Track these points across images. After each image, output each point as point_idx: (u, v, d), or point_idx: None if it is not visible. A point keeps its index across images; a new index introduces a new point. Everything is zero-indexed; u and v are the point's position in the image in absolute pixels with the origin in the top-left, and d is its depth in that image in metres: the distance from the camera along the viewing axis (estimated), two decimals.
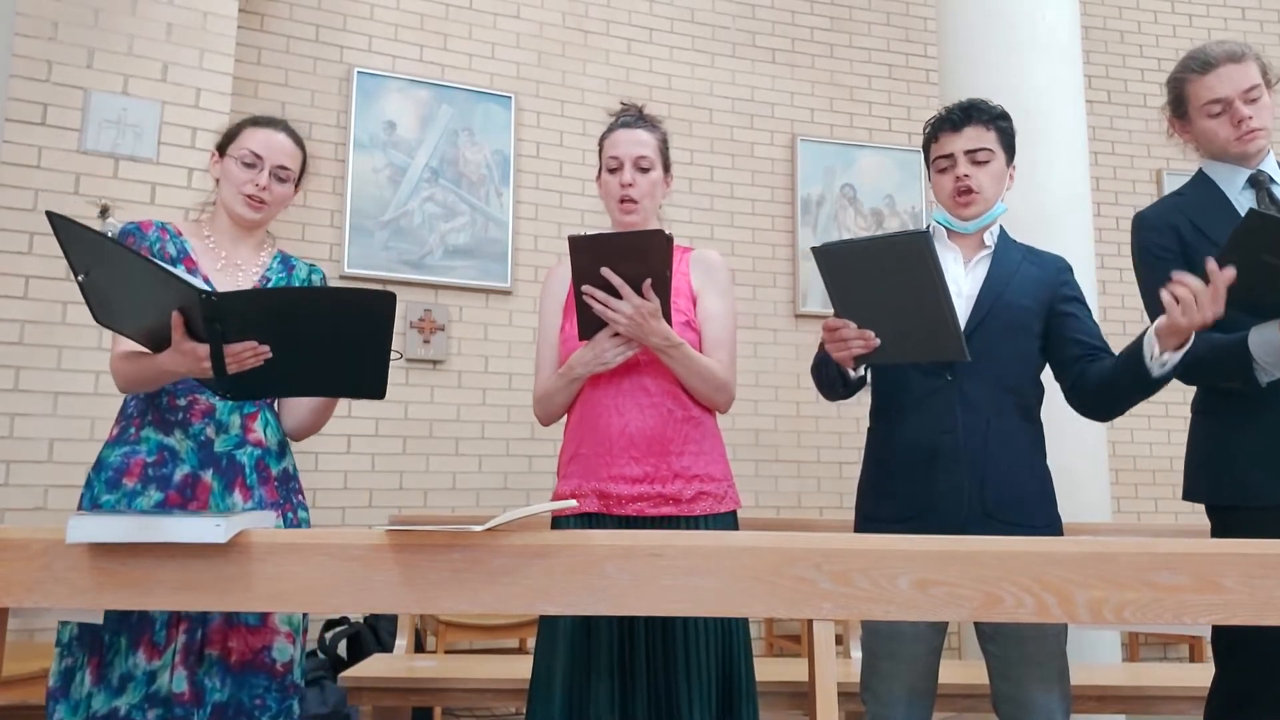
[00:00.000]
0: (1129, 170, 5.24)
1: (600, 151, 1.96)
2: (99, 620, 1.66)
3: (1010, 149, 1.92)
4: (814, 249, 1.67)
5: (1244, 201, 1.82)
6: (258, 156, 1.82)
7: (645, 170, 1.90)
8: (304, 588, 1.19)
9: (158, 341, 1.52)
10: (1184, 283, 1.57)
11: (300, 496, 1.88)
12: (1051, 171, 3.32)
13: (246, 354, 1.47)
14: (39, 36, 3.25)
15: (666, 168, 1.96)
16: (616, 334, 1.75)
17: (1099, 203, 4.62)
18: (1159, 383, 1.71)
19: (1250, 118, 1.79)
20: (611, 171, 1.91)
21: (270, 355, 1.48)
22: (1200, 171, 1.92)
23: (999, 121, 1.90)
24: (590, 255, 1.68)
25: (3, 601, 1.20)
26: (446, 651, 3.57)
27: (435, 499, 4.17)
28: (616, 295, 1.70)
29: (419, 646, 3.65)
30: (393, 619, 3.48)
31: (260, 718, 1.70)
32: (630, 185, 1.88)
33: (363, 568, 1.19)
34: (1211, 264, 1.55)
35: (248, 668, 1.70)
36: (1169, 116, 1.94)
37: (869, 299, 1.66)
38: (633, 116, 1.96)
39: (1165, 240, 1.85)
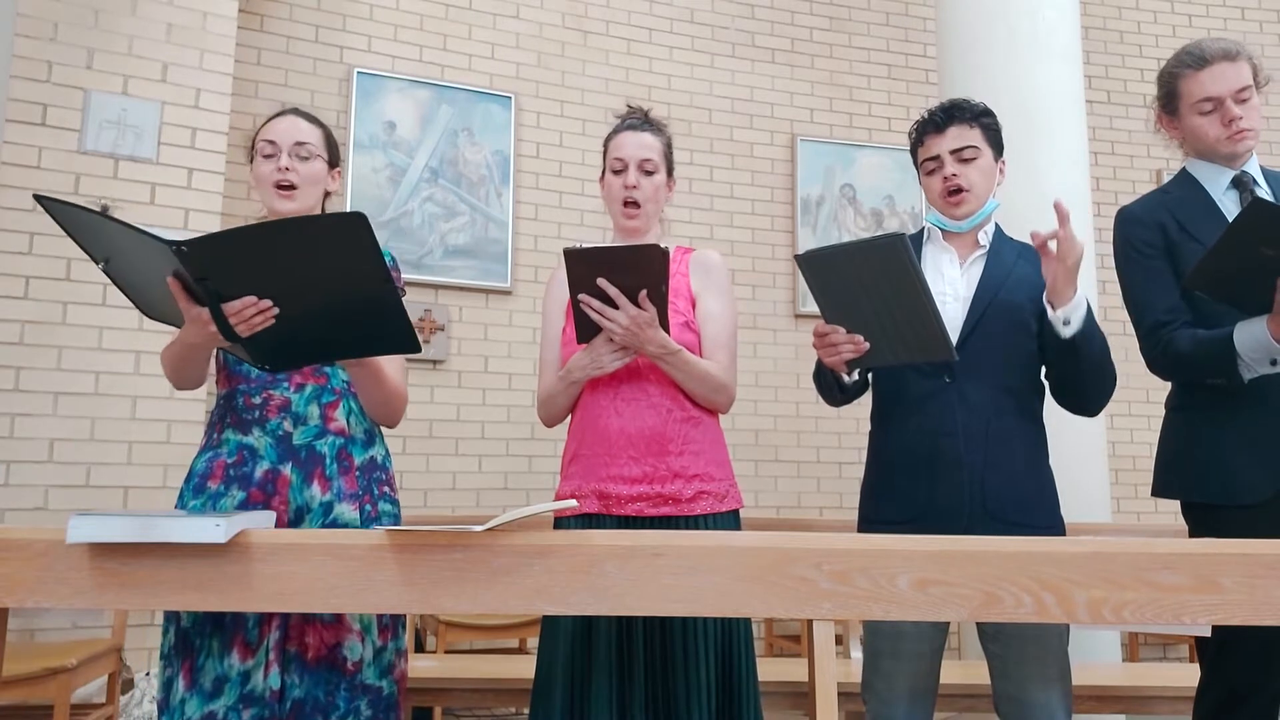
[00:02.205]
0: (1129, 170, 5.24)
1: (604, 153, 1.96)
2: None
3: (997, 144, 1.92)
4: (797, 256, 1.69)
5: (1228, 202, 1.83)
6: (272, 143, 1.82)
7: (649, 173, 1.90)
8: (304, 588, 1.19)
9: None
10: None
11: (387, 488, 1.84)
12: (1051, 171, 3.33)
13: (249, 311, 1.42)
14: (39, 37, 3.25)
15: (670, 172, 1.96)
16: (612, 338, 1.75)
17: (1099, 203, 4.62)
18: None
19: (1241, 118, 1.80)
20: (615, 173, 1.91)
21: (278, 311, 1.43)
22: (1184, 170, 1.92)
23: (982, 118, 1.90)
24: (586, 267, 1.68)
25: (4, 601, 1.20)
26: (446, 651, 3.56)
27: (435, 499, 4.17)
28: (613, 305, 1.70)
29: (419, 646, 3.65)
30: None
31: (330, 715, 1.69)
32: (634, 188, 1.88)
33: (363, 568, 1.19)
34: None
35: (322, 664, 1.69)
36: (1158, 111, 1.94)
37: (855, 303, 1.66)
38: (638, 119, 1.96)
39: (1150, 236, 1.86)
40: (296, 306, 1.44)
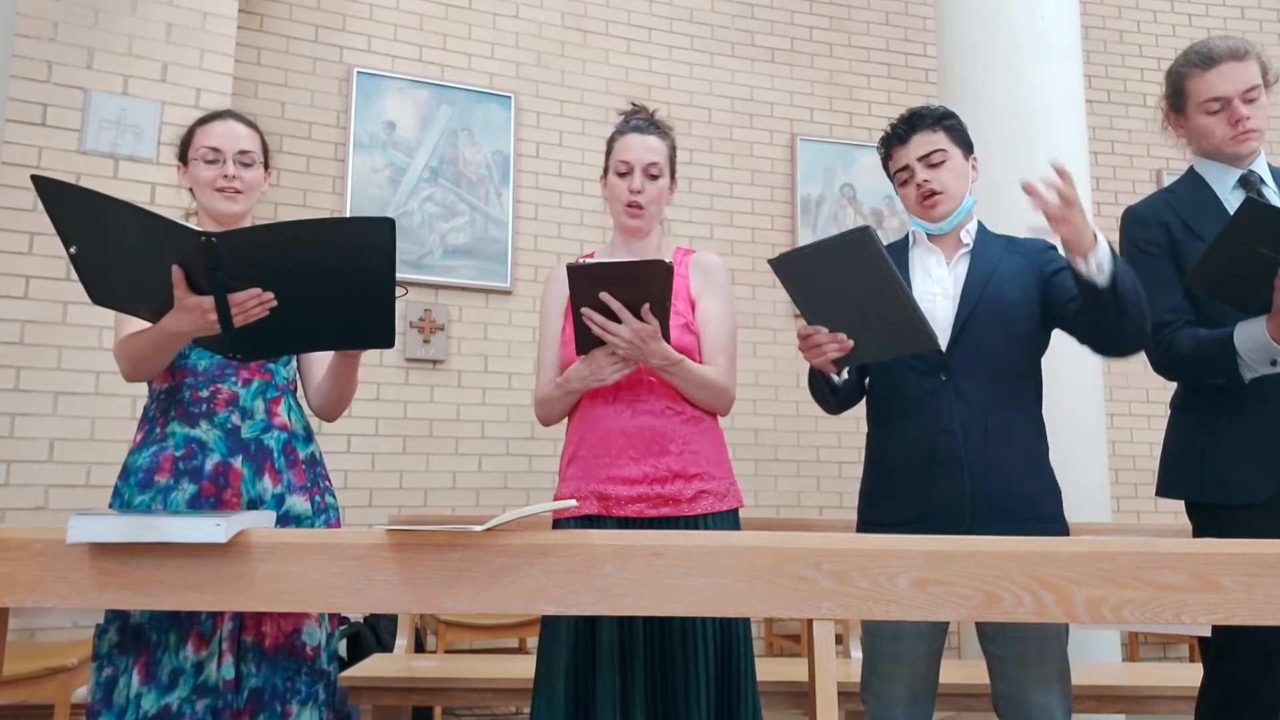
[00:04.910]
0: (1129, 170, 5.24)
1: (609, 152, 1.94)
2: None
3: (964, 144, 1.91)
4: (770, 261, 1.68)
5: (1234, 201, 1.82)
6: (216, 150, 1.83)
7: (654, 178, 1.90)
8: (304, 587, 1.19)
9: (162, 307, 1.49)
10: None
11: (327, 482, 1.88)
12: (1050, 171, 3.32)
13: (251, 303, 1.44)
14: (39, 36, 3.25)
15: (673, 174, 1.96)
16: (614, 351, 1.75)
17: (1099, 203, 4.62)
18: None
19: (1248, 118, 1.80)
20: (620, 175, 1.90)
21: (275, 303, 1.44)
22: (1191, 169, 1.92)
23: (944, 121, 1.89)
24: (589, 282, 1.67)
25: (3, 601, 1.21)
26: (446, 651, 3.57)
27: (435, 499, 4.17)
28: (615, 318, 1.69)
29: (419, 646, 3.65)
30: (393, 619, 3.48)
31: (290, 701, 1.70)
32: (639, 192, 1.88)
33: (363, 567, 1.19)
34: None
35: (280, 651, 1.70)
36: (1165, 109, 1.94)
37: (833, 301, 1.66)
38: (645, 121, 1.95)
39: (1155, 236, 1.85)
40: (293, 299, 1.45)
